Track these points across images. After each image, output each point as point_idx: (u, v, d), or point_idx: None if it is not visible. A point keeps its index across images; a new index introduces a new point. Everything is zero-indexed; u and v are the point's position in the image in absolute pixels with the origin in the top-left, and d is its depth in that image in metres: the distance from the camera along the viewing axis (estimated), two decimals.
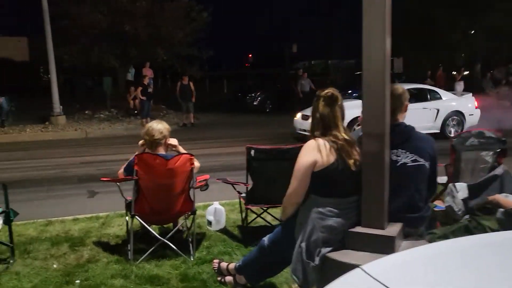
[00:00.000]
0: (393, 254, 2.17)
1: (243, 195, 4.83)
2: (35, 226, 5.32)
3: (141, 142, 4.34)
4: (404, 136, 3.10)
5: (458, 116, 12.29)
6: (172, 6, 19.06)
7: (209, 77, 32.16)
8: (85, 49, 18.68)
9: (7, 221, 4.12)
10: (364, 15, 2.84)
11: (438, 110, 12.09)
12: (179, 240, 4.56)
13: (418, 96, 12.31)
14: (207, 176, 4.67)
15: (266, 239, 3.31)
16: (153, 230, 4.40)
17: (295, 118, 12.34)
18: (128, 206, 4.27)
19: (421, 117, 11.55)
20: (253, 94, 20.51)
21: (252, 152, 4.46)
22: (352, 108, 11.99)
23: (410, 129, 3.18)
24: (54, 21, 15.71)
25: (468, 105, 12.59)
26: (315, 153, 2.89)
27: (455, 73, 22.51)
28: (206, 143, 11.97)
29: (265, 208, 4.86)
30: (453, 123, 12.27)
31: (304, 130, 11.49)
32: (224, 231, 5.02)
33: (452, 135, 11.68)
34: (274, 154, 4.55)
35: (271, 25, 53.19)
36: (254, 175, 4.55)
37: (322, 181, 2.91)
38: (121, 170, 4.25)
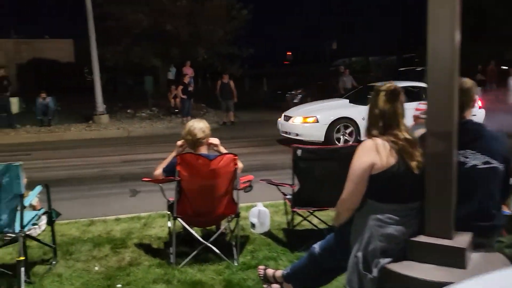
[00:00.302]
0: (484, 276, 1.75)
1: (289, 197, 4.60)
2: (78, 226, 5.28)
3: (179, 142, 4.18)
4: (474, 135, 2.78)
5: None
6: (212, 5, 19.04)
7: (249, 75, 32.08)
8: (127, 49, 18.94)
9: (50, 222, 4.07)
10: (430, 3, 2.55)
11: None
12: (222, 243, 4.38)
13: (415, 95, 10.96)
14: (251, 177, 4.47)
15: (317, 246, 3.07)
16: (196, 232, 4.25)
17: (278, 119, 11.44)
18: (170, 207, 4.13)
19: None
20: (293, 92, 20.19)
21: (299, 152, 4.22)
22: (336, 108, 10.88)
23: (480, 126, 2.85)
24: (97, 22, 15.97)
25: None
26: (373, 154, 2.63)
27: (506, 67, 21.40)
28: (246, 142, 11.81)
29: (312, 211, 4.61)
30: None
31: (286, 132, 10.80)
32: (268, 234, 4.81)
33: None
34: (322, 154, 4.30)
35: (310, 22, 52.56)
36: (300, 176, 4.31)
37: (381, 185, 2.64)
38: (159, 171, 4.08)
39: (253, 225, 4.83)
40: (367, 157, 2.64)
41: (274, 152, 9.87)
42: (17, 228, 3.47)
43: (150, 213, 5.67)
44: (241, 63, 23.03)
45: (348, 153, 4.37)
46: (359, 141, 10.79)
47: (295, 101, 19.87)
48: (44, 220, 4.02)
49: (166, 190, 4.24)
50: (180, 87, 16.37)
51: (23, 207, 3.47)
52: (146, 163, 9.29)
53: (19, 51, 33.95)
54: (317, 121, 10.31)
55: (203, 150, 4.04)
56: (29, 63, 32.07)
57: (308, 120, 10.37)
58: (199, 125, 4.03)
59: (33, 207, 4.60)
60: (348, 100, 11.38)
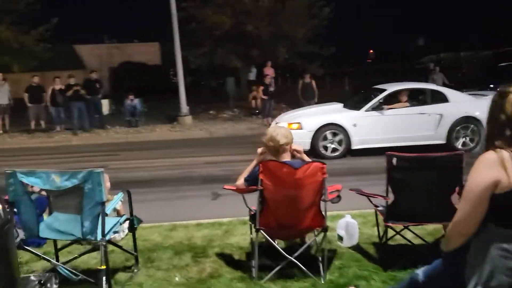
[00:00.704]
0: None
1: (381, 209, 4.18)
2: (160, 231, 5.23)
3: (260, 149, 3.90)
4: None
5: (472, 123, 9.51)
6: (294, 4, 18.73)
7: (329, 74, 31.36)
8: (210, 50, 19.21)
9: (131, 229, 4.00)
10: None
11: (441, 116, 9.49)
12: (307, 257, 4.06)
13: (416, 98, 10.18)
14: (338, 186, 4.09)
15: (420, 272, 2.64)
16: (279, 244, 3.97)
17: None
18: (252, 218, 3.88)
19: (418, 125, 9.44)
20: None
21: (394, 160, 3.78)
22: (324, 114, 9.99)
23: None
24: (181, 25, 16.33)
25: (486, 109, 10.38)
26: (496, 169, 2.16)
27: None
28: None
29: (406, 225, 4.14)
30: (465, 132, 9.59)
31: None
32: (357, 248, 4.41)
33: (463, 147, 9.41)
34: (421, 163, 3.83)
35: (394, 18, 50.48)
36: (396, 187, 3.86)
37: (507, 207, 2.17)
38: (241, 181, 3.84)
39: (340, 238, 4.46)
40: (490, 173, 2.17)
41: (358, 155, 9.33)
42: (99, 235, 3.40)
43: (232, 219, 5.50)
44: (322, 62, 22.48)
45: (450, 162, 3.91)
46: (349, 150, 9.42)
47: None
48: (125, 227, 3.96)
49: (248, 198, 4.01)
50: (261, 88, 16.27)
51: (105, 215, 3.40)
52: (228, 165, 9.21)
53: (111, 55, 36.11)
54: (301, 128, 9.46)
55: (286, 158, 3.75)
56: (120, 66, 33.97)
57: (292, 127, 9.36)
58: (281, 131, 3.74)
59: (117, 212, 4.59)
60: (342, 105, 10.52)
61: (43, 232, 3.49)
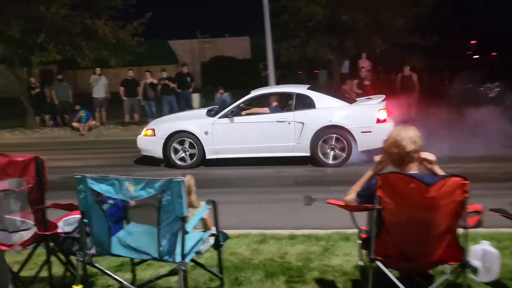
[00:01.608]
0: None
1: None
2: (249, 242, 4.61)
3: (378, 157, 3.04)
4: None
5: (340, 134, 8.19)
6: None
7: (427, 67, 29.12)
8: (302, 42, 18.43)
9: (217, 246, 3.38)
10: None
11: (303, 124, 8.23)
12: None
13: (285, 104, 8.92)
14: (478, 206, 3.13)
15: None
16: (392, 272, 3.13)
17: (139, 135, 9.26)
18: (364, 243, 3.08)
19: (275, 134, 8.32)
20: (488, 85, 17.32)
21: None
22: (178, 120, 9.15)
23: None
24: (273, 17, 15.72)
25: (362, 117, 8.34)
26: None
27: None
28: (435, 143, 10.05)
29: None
30: (332, 143, 8.24)
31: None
32: (497, 284, 3.43)
33: (331, 161, 8.25)
34: None
35: (500, 5, 45.90)
36: None
37: None
38: (351, 196, 3.01)
39: (475, 270, 3.49)
40: None
41: (469, 158, 8.00)
42: (178, 257, 2.81)
43: (331, 233, 4.75)
44: (422, 53, 20.78)
45: None
46: (204, 158, 8.39)
47: (490, 95, 17.05)
48: (208, 243, 3.36)
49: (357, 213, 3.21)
50: (356, 81, 15.22)
51: (185, 233, 2.80)
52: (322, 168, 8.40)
53: (203, 50, 36.74)
54: (154, 134, 8.71)
55: (414, 169, 2.88)
56: (211, 60, 34.40)
57: (147, 133, 8.82)
58: (407, 134, 2.85)
59: (203, 222, 3.98)
60: (206, 111, 9.45)
61: (115, 248, 2.98)
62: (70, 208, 3.22)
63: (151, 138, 8.77)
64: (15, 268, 3.46)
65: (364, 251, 3.11)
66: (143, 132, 8.99)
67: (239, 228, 5.16)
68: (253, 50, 35.47)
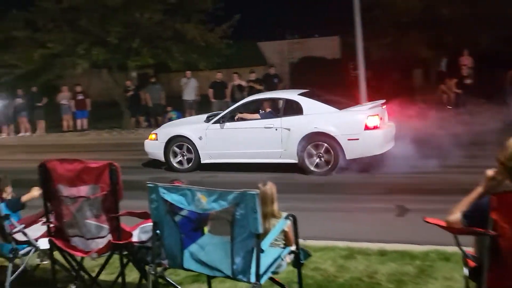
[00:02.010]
0: None
1: None
2: (334, 256, 4.24)
3: (490, 172, 2.50)
4: None
5: (325, 141, 7.83)
6: None
7: None
8: (395, 40, 17.47)
9: (297, 263, 3.07)
10: None
11: (289, 131, 7.98)
12: None
13: (276, 110, 8.76)
14: None
15: None
16: None
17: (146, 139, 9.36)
18: (473, 274, 2.58)
19: (263, 140, 8.18)
20: None
21: None
22: (177, 126, 9.50)
23: None
24: (364, 14, 15.03)
25: (349, 124, 7.90)
26: None
27: None
28: None
29: None
30: (317, 151, 7.89)
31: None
32: None
33: (317, 170, 7.89)
34: None
35: None
36: None
37: None
38: (456, 216, 2.51)
39: None
40: None
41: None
42: (252, 277, 2.54)
43: (428, 250, 4.23)
44: None
45: None
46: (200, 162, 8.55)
47: None
48: (285, 261, 3.06)
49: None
50: (455, 80, 14.05)
51: (260, 251, 2.52)
52: (414, 171, 7.70)
53: (292, 51, 36.54)
54: (157, 139, 8.98)
55: None
56: (300, 61, 34.06)
57: (151, 137, 9.13)
58: None
59: (284, 234, 3.68)
60: (205, 116, 9.40)
61: (187, 262, 2.79)
62: (145, 216, 3.09)
63: (154, 142, 9.04)
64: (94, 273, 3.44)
65: (472, 283, 2.61)
66: (149, 136, 9.27)
67: (324, 239, 4.82)
68: (342, 49, 34.58)
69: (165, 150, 8.82)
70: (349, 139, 7.71)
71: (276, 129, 8.11)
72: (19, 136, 17.17)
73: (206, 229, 3.16)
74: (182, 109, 15.79)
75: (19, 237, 3.43)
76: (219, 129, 8.51)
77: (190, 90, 15.60)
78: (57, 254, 3.38)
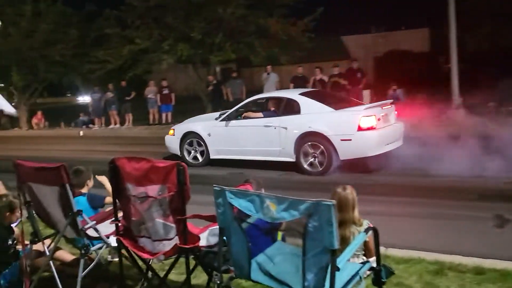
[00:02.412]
0: None
1: None
2: (421, 270, 3.82)
3: None
4: None
5: (319, 141, 7.68)
6: None
7: None
8: (493, 31, 16.04)
9: (377, 282, 2.72)
10: None
11: (286, 129, 7.98)
12: None
13: (277, 108, 8.80)
14: None
15: None
16: None
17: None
18: None
19: (264, 138, 8.26)
20: None
21: None
22: (190, 122, 9.93)
23: None
24: (458, 3, 13.91)
25: (342, 124, 7.63)
26: None
27: None
28: None
29: None
30: (313, 150, 7.79)
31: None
32: None
33: (312, 169, 7.85)
34: None
35: None
36: None
37: None
38: None
39: None
40: None
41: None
42: None
43: None
44: None
45: None
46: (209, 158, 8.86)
47: None
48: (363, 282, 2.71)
49: None
50: None
51: (336, 269, 2.22)
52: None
53: (376, 45, 35.16)
54: (174, 134, 9.55)
55: None
56: (385, 55, 32.68)
57: (170, 133, 9.71)
58: None
59: (364, 245, 3.33)
60: (218, 114, 9.68)
61: (255, 273, 2.56)
62: (213, 219, 2.91)
63: (172, 137, 9.59)
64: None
65: None
66: (169, 131, 9.77)
67: (408, 249, 4.38)
68: (431, 42, 32.64)
69: (180, 145, 9.35)
70: (341, 140, 7.60)
71: (274, 128, 8.20)
72: (109, 128, 18.14)
73: (278, 236, 2.93)
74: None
75: (91, 232, 3.42)
76: (224, 126, 8.85)
77: (270, 84, 15.45)
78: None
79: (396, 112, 8.64)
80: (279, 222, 2.43)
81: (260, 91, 16.77)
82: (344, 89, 13.95)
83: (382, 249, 4.08)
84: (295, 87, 14.72)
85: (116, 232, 3.16)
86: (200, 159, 9.16)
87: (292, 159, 8.06)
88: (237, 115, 8.86)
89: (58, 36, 19.84)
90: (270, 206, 2.34)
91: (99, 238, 3.43)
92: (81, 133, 18.09)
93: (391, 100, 8.71)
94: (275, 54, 16.12)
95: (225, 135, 8.82)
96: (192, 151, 9.28)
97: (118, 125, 18.24)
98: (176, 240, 2.92)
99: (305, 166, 7.92)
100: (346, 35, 36.70)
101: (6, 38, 19.47)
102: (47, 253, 3.62)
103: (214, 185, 2.58)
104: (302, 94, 8.66)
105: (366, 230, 2.63)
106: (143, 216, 2.98)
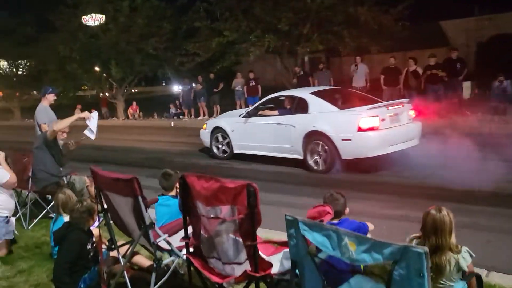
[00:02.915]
0: None
1: None
2: None
3: None
4: None
5: (322, 140, 7.84)
6: None
7: None
8: None
9: None
10: None
11: (294, 127, 8.24)
12: None
13: (284, 107, 9.52)
14: None
15: None
16: None
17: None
18: None
19: (276, 136, 8.57)
20: None
21: None
22: (218, 118, 11.23)
23: None
24: None
25: (343, 124, 7.64)
26: None
27: None
28: None
29: None
30: (318, 149, 7.93)
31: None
32: None
33: (316, 167, 8.00)
34: None
35: None
36: None
37: None
38: None
39: None
40: None
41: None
42: None
43: None
44: None
45: None
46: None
47: None
48: None
49: None
50: None
51: None
52: None
53: (480, 29, 32.31)
54: (206, 128, 10.26)
55: None
56: (490, 40, 29.93)
57: (204, 127, 10.43)
58: None
59: (462, 274, 2.87)
60: (244, 111, 10.01)
61: None
62: (286, 245, 2.64)
63: (204, 131, 10.32)
64: None
65: None
66: (203, 126, 10.47)
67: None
68: None
69: (210, 139, 10.10)
70: (343, 140, 7.65)
71: (285, 126, 8.43)
72: (198, 120, 18.58)
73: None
74: None
75: (163, 244, 3.33)
76: (243, 123, 9.32)
77: (359, 76, 14.77)
78: None
79: (413, 112, 8.41)
80: (358, 265, 2.10)
81: (349, 81, 16.12)
82: (442, 81, 12.90)
83: (481, 271, 3.58)
84: (386, 79, 13.91)
85: (186, 250, 3.02)
86: (226, 152, 9.85)
87: (300, 157, 8.22)
88: (256, 112, 9.35)
89: (152, 30, 20.67)
90: (349, 245, 2.02)
91: (171, 251, 3.33)
92: (172, 124, 18.74)
93: (406, 100, 8.58)
94: (364, 44, 15.36)
95: (245, 131, 9.34)
96: (220, 145, 9.95)
97: (206, 116, 18.63)
98: (246, 265, 2.70)
99: (311, 163, 8.09)
100: (445, 20, 34.18)
101: (105, 33, 20.67)
102: (121, 261, 3.61)
103: (286, 214, 2.31)
104: (313, 93, 8.77)
105: (466, 277, 2.19)
106: (212, 236, 2.80)
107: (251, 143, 9.17)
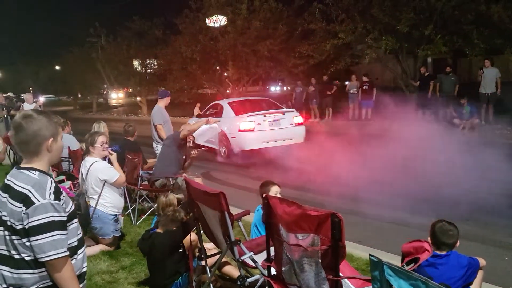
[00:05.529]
0: None
1: None
2: None
3: None
4: None
5: (224, 136, 11.40)
6: None
7: None
8: None
9: None
10: None
11: (215, 129, 10.73)
12: None
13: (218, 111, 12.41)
14: None
15: None
16: None
17: None
18: None
19: (210, 132, 11.00)
20: None
21: None
22: None
23: None
24: None
25: (232, 126, 11.12)
26: None
27: None
28: None
29: None
30: (223, 142, 11.50)
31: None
32: None
33: (223, 154, 11.54)
34: None
35: None
36: None
37: None
38: None
39: None
40: None
41: None
42: None
43: None
44: None
45: None
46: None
47: None
48: None
49: None
50: None
51: None
52: None
53: None
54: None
55: None
56: None
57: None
58: None
59: None
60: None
61: None
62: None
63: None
64: None
65: None
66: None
67: None
68: None
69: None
70: (232, 137, 11.03)
71: (211, 127, 10.00)
72: (309, 121, 18.38)
73: None
74: (478, 104, 13.66)
75: (249, 261, 3.23)
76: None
77: (488, 81, 13.34)
78: None
79: (299, 118, 11.54)
80: None
81: (478, 84, 14.44)
82: None
83: None
84: None
85: (268, 274, 2.89)
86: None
87: (217, 147, 11.69)
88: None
89: (268, 32, 20.92)
90: None
91: (256, 268, 3.22)
92: None
93: (288, 109, 12.10)
94: (498, 45, 13.83)
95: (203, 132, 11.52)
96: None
97: (317, 119, 18.36)
98: None
99: (221, 151, 11.54)
100: None
101: (224, 36, 21.41)
102: (209, 272, 3.60)
103: (370, 254, 2.05)
104: (229, 102, 12.18)
105: None
106: (294, 263, 2.62)
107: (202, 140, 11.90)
